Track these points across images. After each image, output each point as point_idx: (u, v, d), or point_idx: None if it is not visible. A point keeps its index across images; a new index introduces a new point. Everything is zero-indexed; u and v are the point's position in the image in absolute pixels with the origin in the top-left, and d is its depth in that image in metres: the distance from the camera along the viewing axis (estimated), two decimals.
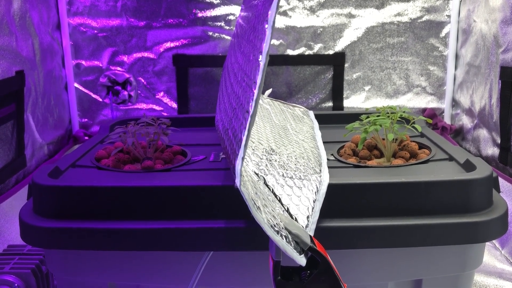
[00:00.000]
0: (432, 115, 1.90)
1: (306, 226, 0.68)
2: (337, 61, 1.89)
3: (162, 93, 1.91)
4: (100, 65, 1.88)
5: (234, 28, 1.76)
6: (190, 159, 0.94)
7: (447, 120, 1.90)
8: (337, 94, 1.91)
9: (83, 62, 1.88)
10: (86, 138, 1.88)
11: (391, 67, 1.90)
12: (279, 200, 0.71)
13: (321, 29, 1.87)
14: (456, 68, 1.87)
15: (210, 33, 1.86)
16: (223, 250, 0.75)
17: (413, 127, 0.95)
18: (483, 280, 1.15)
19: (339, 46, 1.88)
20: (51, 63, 1.73)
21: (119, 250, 0.77)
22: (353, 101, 1.92)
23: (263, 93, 1.26)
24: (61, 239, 0.76)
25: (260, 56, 0.65)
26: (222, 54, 1.87)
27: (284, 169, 0.78)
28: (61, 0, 1.80)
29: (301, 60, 1.89)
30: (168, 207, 0.76)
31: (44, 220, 0.77)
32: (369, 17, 1.86)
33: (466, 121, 1.76)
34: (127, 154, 0.95)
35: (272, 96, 1.67)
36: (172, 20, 1.86)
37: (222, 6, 1.85)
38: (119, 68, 1.89)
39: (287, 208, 0.70)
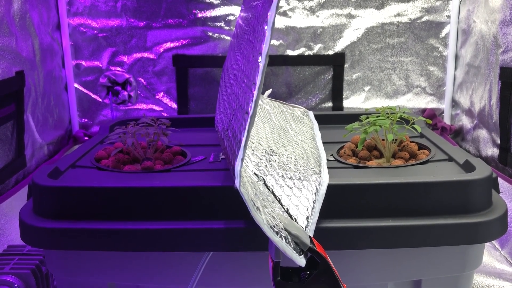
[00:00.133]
0: (432, 115, 1.89)
1: (306, 227, 0.68)
2: (337, 61, 1.89)
3: (162, 94, 1.91)
4: (100, 65, 1.88)
5: (234, 29, 1.76)
6: (190, 159, 0.94)
7: (446, 120, 1.90)
8: (336, 95, 1.91)
9: (83, 63, 1.88)
10: (86, 138, 1.87)
11: (391, 68, 1.89)
12: (279, 201, 0.71)
13: (321, 30, 1.87)
14: (455, 68, 1.87)
15: (210, 34, 1.86)
16: (222, 250, 0.75)
17: (413, 127, 0.95)
18: (482, 281, 1.15)
19: (339, 47, 1.88)
20: (51, 64, 1.73)
21: (119, 251, 0.77)
22: (352, 102, 1.92)
23: (262, 94, 1.26)
24: (61, 239, 0.76)
25: (260, 57, 0.65)
26: (222, 55, 1.87)
27: (283, 170, 0.78)
28: (61, 0, 1.80)
29: (301, 60, 1.89)
30: (168, 207, 0.76)
31: (44, 221, 0.77)
32: (369, 18, 1.86)
33: (465, 122, 1.76)
34: (127, 155, 0.95)
35: (272, 96, 1.67)
36: (172, 21, 1.86)
37: (222, 6, 1.85)
38: (119, 69, 1.89)
39: (287, 208, 0.70)
